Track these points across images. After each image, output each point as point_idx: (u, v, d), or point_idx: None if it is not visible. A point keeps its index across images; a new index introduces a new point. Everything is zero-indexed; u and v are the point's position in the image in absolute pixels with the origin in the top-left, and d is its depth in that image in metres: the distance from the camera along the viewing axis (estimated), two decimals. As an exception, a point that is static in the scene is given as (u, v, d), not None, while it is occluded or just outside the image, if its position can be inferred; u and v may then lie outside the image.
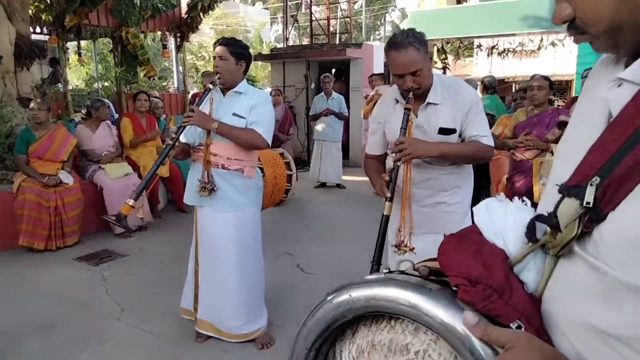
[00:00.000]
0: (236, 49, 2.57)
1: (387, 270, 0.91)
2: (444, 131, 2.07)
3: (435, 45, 10.18)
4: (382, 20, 28.10)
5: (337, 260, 4.11)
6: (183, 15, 8.57)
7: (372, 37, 26.20)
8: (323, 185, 7.28)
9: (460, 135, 2.12)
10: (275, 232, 4.82)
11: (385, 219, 1.91)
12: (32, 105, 4.59)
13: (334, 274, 3.73)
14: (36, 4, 6.43)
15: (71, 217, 4.49)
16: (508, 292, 0.72)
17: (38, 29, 7.37)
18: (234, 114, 2.55)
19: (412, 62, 1.95)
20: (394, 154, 1.93)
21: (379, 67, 10.05)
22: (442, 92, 2.08)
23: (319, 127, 7.11)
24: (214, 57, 2.60)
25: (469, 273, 0.74)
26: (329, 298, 0.91)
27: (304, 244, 4.57)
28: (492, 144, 2.13)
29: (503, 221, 0.80)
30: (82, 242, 4.63)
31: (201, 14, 8.38)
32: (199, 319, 2.78)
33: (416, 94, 2.02)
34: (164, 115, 6.19)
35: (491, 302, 0.71)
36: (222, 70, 2.54)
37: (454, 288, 0.77)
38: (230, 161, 2.57)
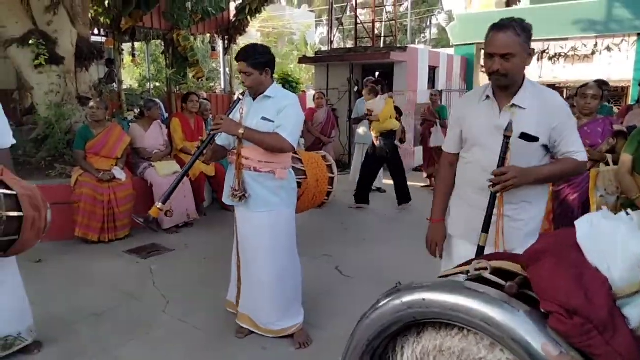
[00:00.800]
0: (256, 61, 2.58)
1: (465, 277, 0.84)
2: (526, 137, 1.95)
3: (482, 49, 9.98)
4: (428, 23, 27.73)
5: (376, 264, 4.12)
6: (231, 18, 8.83)
7: (417, 41, 25.91)
8: (363, 188, 7.27)
9: (548, 148, 1.99)
10: (315, 234, 4.89)
11: (480, 250, 1.84)
12: (91, 104, 4.86)
13: (372, 278, 3.75)
14: (95, 8, 6.80)
15: (123, 211, 4.71)
16: (611, 330, 0.64)
17: (96, 31, 7.77)
18: (263, 118, 2.61)
19: (506, 43, 1.87)
20: (491, 185, 1.86)
21: (423, 71, 9.94)
22: (531, 97, 1.97)
23: (360, 130, 7.12)
24: (239, 71, 2.67)
25: (568, 302, 0.67)
26: (395, 296, 0.86)
27: (343, 247, 4.60)
28: (586, 159, 2.01)
29: (611, 244, 0.70)
30: (132, 235, 4.84)
31: (249, 17, 8.58)
32: (240, 312, 2.90)
33: (500, 84, 1.95)
34: (211, 116, 6.38)
35: (590, 338, 0.64)
36: (250, 85, 2.63)
37: (543, 310, 0.70)
38: (262, 164, 2.64)
